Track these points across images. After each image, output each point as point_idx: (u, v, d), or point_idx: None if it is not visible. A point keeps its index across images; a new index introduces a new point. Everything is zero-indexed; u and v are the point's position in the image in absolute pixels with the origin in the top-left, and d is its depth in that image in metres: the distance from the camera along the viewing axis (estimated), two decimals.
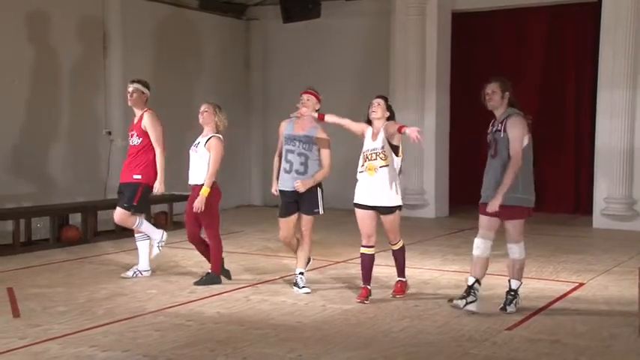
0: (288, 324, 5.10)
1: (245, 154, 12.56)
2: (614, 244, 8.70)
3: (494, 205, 5.20)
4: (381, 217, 5.67)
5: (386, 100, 5.76)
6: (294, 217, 6.02)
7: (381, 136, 5.58)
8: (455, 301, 5.40)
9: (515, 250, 5.43)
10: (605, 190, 10.10)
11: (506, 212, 5.26)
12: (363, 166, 5.61)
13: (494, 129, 5.35)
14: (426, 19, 11.21)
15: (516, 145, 5.19)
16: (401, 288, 5.93)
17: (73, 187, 9.95)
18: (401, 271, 5.98)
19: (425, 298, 5.89)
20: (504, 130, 5.23)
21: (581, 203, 11.50)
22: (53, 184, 9.77)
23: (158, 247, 6.64)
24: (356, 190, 5.67)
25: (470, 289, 5.37)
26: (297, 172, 5.92)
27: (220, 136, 6.24)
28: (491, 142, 5.35)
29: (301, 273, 6.08)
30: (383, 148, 5.55)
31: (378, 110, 5.62)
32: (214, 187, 6.16)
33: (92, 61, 10.38)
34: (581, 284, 6.49)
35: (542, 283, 6.52)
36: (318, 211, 6.00)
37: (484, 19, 11.97)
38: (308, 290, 5.98)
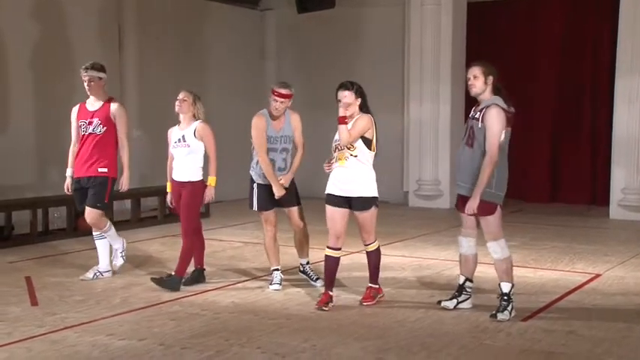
0: (302, 314, 5.12)
1: None
2: (631, 235, 8.63)
3: (471, 208, 4.86)
4: (355, 213, 5.21)
5: (351, 85, 5.18)
6: (274, 210, 5.85)
7: (350, 124, 5.17)
8: (444, 303, 5.20)
9: (496, 249, 4.97)
10: (622, 180, 10.01)
11: (477, 208, 4.90)
12: (334, 154, 5.26)
13: (473, 114, 5.00)
14: (442, 9, 11.14)
15: (495, 141, 4.82)
16: (369, 294, 5.38)
17: None
18: (374, 277, 5.41)
19: (440, 288, 5.87)
20: (482, 121, 4.88)
21: (597, 194, 11.40)
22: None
23: (122, 256, 6.35)
24: (328, 182, 5.30)
25: (461, 288, 5.20)
26: (279, 169, 5.75)
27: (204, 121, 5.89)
28: (468, 130, 4.99)
29: (307, 263, 6.01)
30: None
31: (349, 104, 5.14)
32: (202, 181, 5.90)
33: (107, 54, 10.41)
34: (597, 275, 6.44)
35: (557, 274, 6.48)
36: (300, 202, 5.87)
37: (500, 9, 11.88)
38: (322, 283, 5.67)
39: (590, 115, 11.53)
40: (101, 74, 6.08)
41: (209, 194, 5.93)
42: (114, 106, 6.11)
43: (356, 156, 5.16)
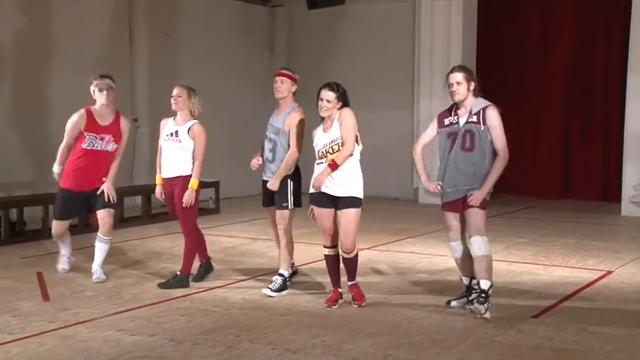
0: (312, 310, 5.12)
1: None
2: None
3: (478, 199, 4.84)
4: (339, 212, 5.06)
5: (337, 88, 5.09)
6: (272, 208, 5.68)
7: (336, 126, 5.06)
8: (453, 302, 5.16)
9: (481, 245, 4.87)
10: (634, 177, 9.95)
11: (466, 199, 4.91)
12: (322, 159, 5.09)
13: (466, 119, 4.91)
14: (452, 6, 11.10)
15: (504, 140, 4.87)
16: (359, 293, 5.21)
17: None
18: (352, 275, 5.23)
19: (450, 284, 5.85)
20: (484, 123, 4.86)
21: (609, 190, 11.34)
22: None
23: (69, 261, 6.33)
24: (312, 180, 5.15)
25: (469, 288, 5.15)
26: (267, 159, 5.62)
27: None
28: (463, 134, 4.90)
29: (280, 275, 5.56)
30: (339, 138, 5.05)
31: (329, 107, 5.05)
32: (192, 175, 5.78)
33: (118, 50, 10.46)
34: (608, 272, 6.41)
35: (568, 271, 6.46)
36: (287, 206, 5.52)
37: (511, 5, 11.82)
38: (268, 293, 5.43)
39: (602, 111, 11.46)
40: (113, 85, 6.05)
41: (188, 196, 5.67)
42: (123, 121, 6.07)
43: (351, 155, 5.09)
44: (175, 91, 5.81)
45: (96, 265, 6.07)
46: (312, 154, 5.26)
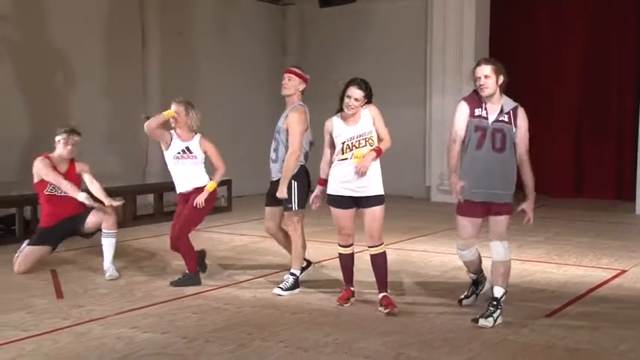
0: (324, 308, 5.13)
1: None
2: None
3: (531, 217, 4.68)
4: (366, 210, 4.98)
5: (365, 86, 4.96)
6: (276, 208, 5.58)
7: (368, 119, 4.96)
8: (465, 301, 5.12)
9: (500, 250, 4.72)
10: None
11: (501, 209, 4.72)
12: (345, 153, 4.94)
13: (496, 117, 4.64)
14: (465, 3, 11.06)
15: (528, 141, 4.68)
16: (390, 301, 5.03)
17: (112, 172, 10.10)
18: (384, 283, 5.08)
19: (463, 283, 5.83)
20: (515, 125, 4.64)
21: (623, 189, 11.27)
22: (93, 169, 9.93)
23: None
24: (331, 180, 5.02)
25: (477, 282, 5.12)
26: (271, 159, 5.55)
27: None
28: (493, 133, 4.63)
29: (292, 274, 5.54)
30: (371, 132, 4.96)
31: (356, 105, 4.93)
32: (215, 190, 5.86)
33: (130, 49, 10.51)
34: (622, 271, 6.37)
35: (582, 270, 6.42)
36: (291, 207, 5.43)
37: (523, 1, 11.76)
38: (279, 292, 5.43)
39: (616, 108, 11.40)
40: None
41: (202, 196, 5.76)
42: (78, 164, 6.39)
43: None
44: (173, 108, 5.85)
45: (107, 263, 6.12)
46: (318, 152, 5.17)
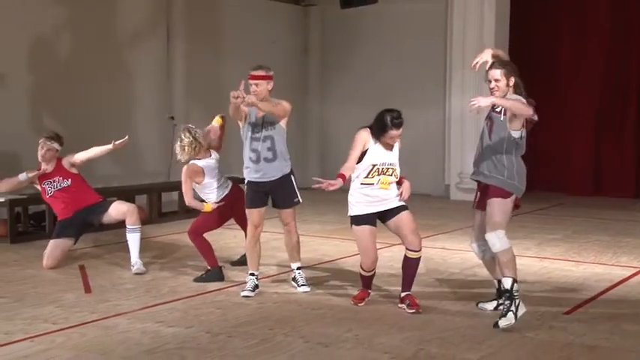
0: (345, 304, 5.21)
1: (303, 140, 12.68)
2: None
3: (480, 100, 4.65)
4: (396, 219, 5.02)
5: (403, 122, 5.02)
6: (264, 209, 5.53)
7: (397, 149, 5.09)
8: (481, 305, 5.10)
9: (494, 241, 4.67)
10: None
11: (488, 191, 4.80)
12: (373, 177, 4.99)
13: (494, 107, 4.81)
14: (484, 3, 11.07)
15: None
16: (414, 301, 5.05)
17: (138, 170, 10.29)
18: (410, 283, 5.12)
19: (481, 280, 5.89)
20: (504, 114, 4.72)
21: None
22: (118, 167, 10.11)
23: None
24: (354, 202, 5.05)
25: (499, 291, 4.98)
26: (265, 159, 5.38)
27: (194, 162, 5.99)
28: (484, 120, 4.91)
29: (299, 268, 5.65)
30: (397, 164, 5.08)
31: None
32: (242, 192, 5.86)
33: (156, 46, 10.68)
34: None
35: (601, 268, 6.44)
36: (298, 200, 5.50)
37: (543, 1, 11.73)
38: (307, 289, 5.53)
39: (636, 107, 11.34)
40: (58, 147, 6.49)
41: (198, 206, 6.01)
42: (64, 161, 6.50)
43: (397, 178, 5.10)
44: (183, 138, 5.97)
45: (135, 257, 6.26)
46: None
